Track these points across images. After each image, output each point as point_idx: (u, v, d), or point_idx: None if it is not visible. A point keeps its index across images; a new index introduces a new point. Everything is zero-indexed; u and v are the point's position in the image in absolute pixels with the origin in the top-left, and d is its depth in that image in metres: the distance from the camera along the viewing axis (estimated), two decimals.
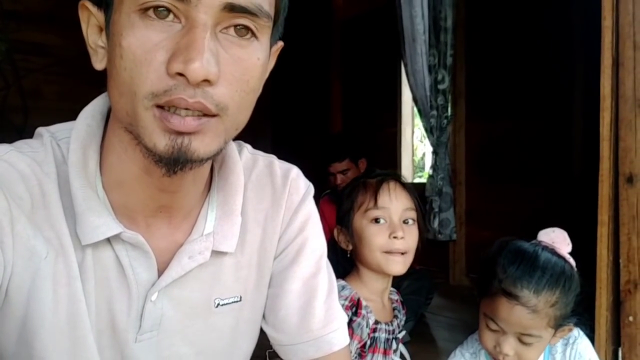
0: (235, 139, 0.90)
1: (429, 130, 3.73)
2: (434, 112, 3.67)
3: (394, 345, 1.49)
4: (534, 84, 3.55)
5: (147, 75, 0.63)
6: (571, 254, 1.41)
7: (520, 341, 1.32)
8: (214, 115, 0.66)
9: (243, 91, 0.68)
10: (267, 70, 0.81)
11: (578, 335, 1.43)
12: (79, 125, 0.77)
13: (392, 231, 1.42)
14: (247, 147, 0.95)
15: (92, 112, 0.78)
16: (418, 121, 4.21)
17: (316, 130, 5.16)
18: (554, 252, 1.37)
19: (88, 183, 0.73)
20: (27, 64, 4.23)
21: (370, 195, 1.45)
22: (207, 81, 0.62)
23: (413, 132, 4.90)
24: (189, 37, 0.62)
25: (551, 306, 1.30)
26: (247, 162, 0.92)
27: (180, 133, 0.64)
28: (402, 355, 1.55)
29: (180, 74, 0.61)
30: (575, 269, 1.37)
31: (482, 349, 1.46)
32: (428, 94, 3.67)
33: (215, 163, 0.87)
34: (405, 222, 1.46)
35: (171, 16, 0.63)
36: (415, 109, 4.01)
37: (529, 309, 1.28)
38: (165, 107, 0.63)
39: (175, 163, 0.66)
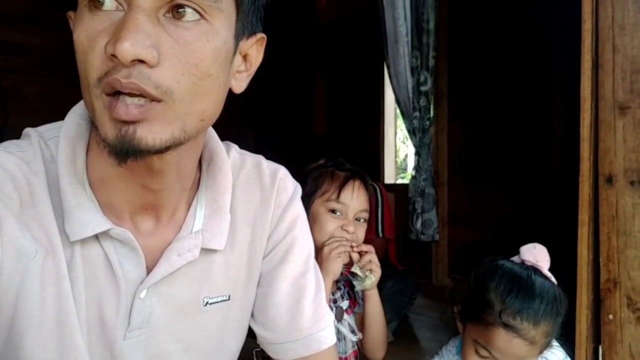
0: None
1: (412, 132, 3.75)
2: (417, 114, 3.69)
3: (335, 313, 1.52)
4: (515, 85, 3.59)
5: (93, 62, 0.63)
6: (552, 255, 1.43)
7: None
8: (159, 101, 0.64)
9: (193, 75, 0.65)
10: (253, 64, 0.80)
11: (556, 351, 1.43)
12: (68, 123, 0.77)
13: (344, 224, 1.53)
14: (235, 147, 0.95)
15: (82, 110, 0.78)
16: (401, 122, 4.23)
17: (300, 131, 5.16)
18: (541, 274, 1.36)
19: (77, 180, 0.73)
20: (7, 64, 4.18)
21: (335, 188, 1.55)
22: (142, 62, 0.61)
23: (396, 133, 4.92)
24: (123, 19, 0.62)
25: (546, 336, 1.29)
26: (235, 161, 0.92)
27: (125, 122, 0.63)
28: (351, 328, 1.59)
29: (115, 56, 0.61)
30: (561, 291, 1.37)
31: (458, 359, 1.46)
32: (410, 95, 3.68)
33: (204, 161, 0.87)
34: (357, 219, 1.57)
35: (115, 4, 0.63)
36: (398, 110, 4.03)
37: (527, 340, 1.27)
38: (113, 95, 0.63)
39: (122, 153, 0.64)
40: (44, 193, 0.73)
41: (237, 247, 0.89)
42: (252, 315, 0.95)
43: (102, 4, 0.63)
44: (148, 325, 0.80)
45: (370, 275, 1.52)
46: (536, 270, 1.36)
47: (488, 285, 1.34)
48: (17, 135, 0.81)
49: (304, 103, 5.26)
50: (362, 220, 1.58)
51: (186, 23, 0.65)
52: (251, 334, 0.98)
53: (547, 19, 3.41)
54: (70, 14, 0.72)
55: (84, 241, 0.73)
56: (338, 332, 1.52)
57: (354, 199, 1.55)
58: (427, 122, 3.71)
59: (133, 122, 0.63)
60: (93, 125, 0.75)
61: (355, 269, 1.53)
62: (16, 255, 0.69)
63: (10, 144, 0.76)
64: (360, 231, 1.57)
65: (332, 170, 1.60)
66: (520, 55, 3.54)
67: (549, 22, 3.41)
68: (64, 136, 0.75)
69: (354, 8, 4.75)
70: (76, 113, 0.78)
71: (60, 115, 0.79)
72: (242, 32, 0.74)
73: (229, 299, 0.88)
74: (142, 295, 0.78)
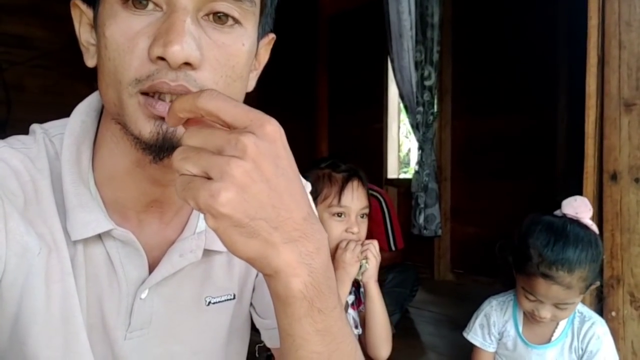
0: None
1: (415, 127, 3.75)
2: (420, 109, 3.68)
3: None
4: (519, 81, 3.57)
5: (131, 63, 0.63)
6: None
7: (556, 307, 1.48)
8: None
9: (229, 77, 0.67)
10: (261, 63, 0.82)
11: (597, 320, 1.59)
12: (73, 121, 0.76)
13: (348, 227, 1.59)
14: None
15: (86, 108, 0.78)
16: (404, 117, 4.22)
17: (303, 127, 5.15)
18: (579, 223, 1.49)
19: (80, 179, 0.73)
20: (10, 56, 4.17)
21: (335, 192, 1.59)
22: (188, 65, 0.62)
23: (399, 128, 4.91)
24: (169, 22, 0.62)
25: (583, 280, 1.44)
26: None
27: (164, 119, 0.63)
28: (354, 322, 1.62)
29: (162, 58, 0.61)
30: (597, 234, 1.51)
31: (512, 300, 1.67)
32: (414, 90, 3.68)
33: None
34: (360, 216, 1.62)
35: (152, 4, 0.64)
36: (402, 105, 4.02)
37: (564, 286, 1.42)
38: (149, 94, 0.63)
39: (161, 149, 0.65)
40: (47, 190, 0.72)
41: None
42: (252, 304, 0.95)
43: (142, 3, 0.63)
44: (149, 325, 0.80)
45: (365, 263, 1.55)
46: (573, 221, 1.50)
47: (528, 241, 1.50)
48: (20, 127, 0.81)
49: (308, 97, 5.24)
50: (364, 216, 1.63)
51: (224, 27, 0.66)
52: (254, 329, 0.98)
53: (552, 14, 3.39)
54: (77, 2, 0.73)
55: (86, 240, 0.73)
56: None
57: (355, 199, 1.59)
58: (431, 117, 3.70)
59: None
60: (106, 122, 0.75)
61: None
62: (21, 251, 0.69)
63: (15, 140, 0.75)
64: (363, 228, 1.61)
65: (328, 172, 1.63)
66: (524, 50, 3.52)
67: (554, 17, 3.39)
68: (68, 134, 0.75)
69: (358, 1, 4.73)
70: (81, 111, 0.78)
71: (63, 108, 0.79)
72: (262, 33, 0.76)
73: (234, 298, 0.88)
74: (143, 295, 0.78)
